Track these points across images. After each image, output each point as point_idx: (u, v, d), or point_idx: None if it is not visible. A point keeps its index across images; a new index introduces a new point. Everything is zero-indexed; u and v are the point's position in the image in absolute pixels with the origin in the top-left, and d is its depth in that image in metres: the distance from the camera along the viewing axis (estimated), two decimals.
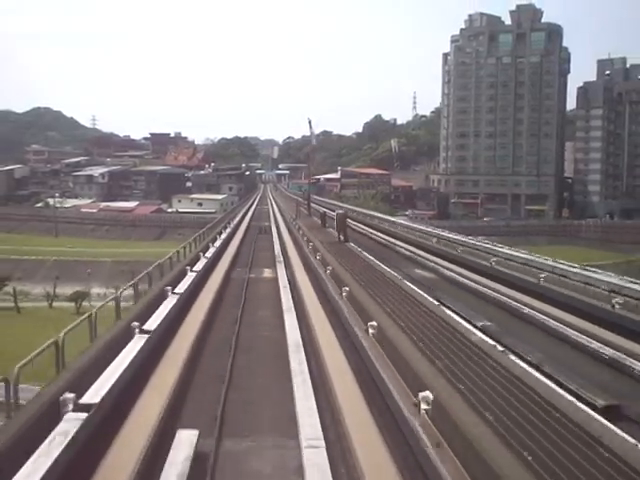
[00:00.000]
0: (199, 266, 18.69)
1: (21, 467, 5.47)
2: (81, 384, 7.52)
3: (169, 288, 14.08)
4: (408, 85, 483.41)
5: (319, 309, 13.64)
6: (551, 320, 12.35)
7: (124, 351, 9.12)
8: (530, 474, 5.13)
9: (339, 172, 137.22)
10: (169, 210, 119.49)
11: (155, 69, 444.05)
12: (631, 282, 14.16)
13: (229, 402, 8.41)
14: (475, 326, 10.94)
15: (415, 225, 37.28)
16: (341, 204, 66.22)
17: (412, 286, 14.73)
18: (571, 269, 16.50)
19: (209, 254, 21.95)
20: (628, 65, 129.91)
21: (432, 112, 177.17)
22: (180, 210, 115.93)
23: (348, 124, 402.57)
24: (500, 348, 9.00)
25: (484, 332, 10.46)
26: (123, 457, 6.28)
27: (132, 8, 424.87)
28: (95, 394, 7.36)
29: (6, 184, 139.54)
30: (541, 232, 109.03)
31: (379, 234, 32.81)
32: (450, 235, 28.25)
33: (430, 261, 22.36)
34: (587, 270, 16.30)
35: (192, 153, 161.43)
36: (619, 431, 5.95)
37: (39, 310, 56.03)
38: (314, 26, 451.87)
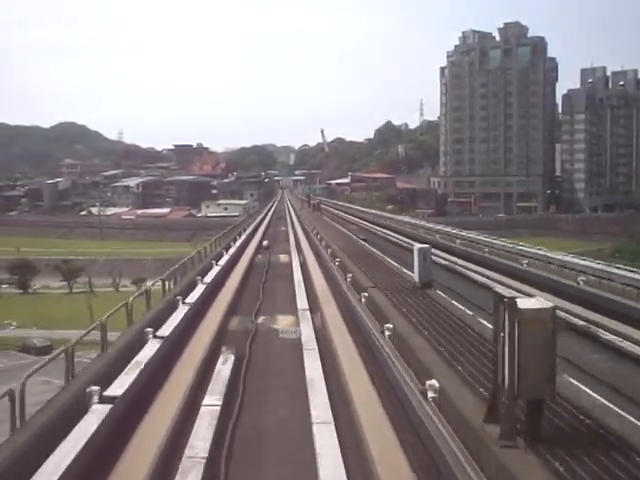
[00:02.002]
0: (238, 241, 43.11)
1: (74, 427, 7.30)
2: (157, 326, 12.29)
3: (214, 262, 23.03)
4: (418, 91, 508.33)
5: (305, 231, 38.67)
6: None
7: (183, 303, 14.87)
8: None
9: (349, 177, 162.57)
10: (198, 215, 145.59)
11: (174, 81, 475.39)
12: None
13: (266, 289, 29.37)
14: (359, 238, 35.67)
15: (372, 211, 62.52)
16: (336, 201, 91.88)
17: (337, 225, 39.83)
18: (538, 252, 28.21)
19: (250, 229, 46.78)
20: (609, 73, 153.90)
21: (439, 117, 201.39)
22: (208, 214, 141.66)
23: (360, 130, 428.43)
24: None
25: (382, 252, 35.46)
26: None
27: (152, 23, 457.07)
28: (167, 329, 12.07)
29: (51, 196, 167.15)
30: (525, 225, 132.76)
31: (349, 215, 58.23)
32: (416, 222, 52.93)
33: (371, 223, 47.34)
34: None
35: (215, 163, 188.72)
36: None
37: (108, 293, 79.36)
38: (328, 37, 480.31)
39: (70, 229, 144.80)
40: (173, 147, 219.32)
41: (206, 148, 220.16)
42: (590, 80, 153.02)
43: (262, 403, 9.82)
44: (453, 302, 14.80)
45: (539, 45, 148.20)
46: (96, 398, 8.26)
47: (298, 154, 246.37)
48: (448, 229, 43.51)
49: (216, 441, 7.80)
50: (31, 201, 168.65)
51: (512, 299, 6.30)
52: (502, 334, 6.28)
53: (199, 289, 17.71)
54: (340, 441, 7.55)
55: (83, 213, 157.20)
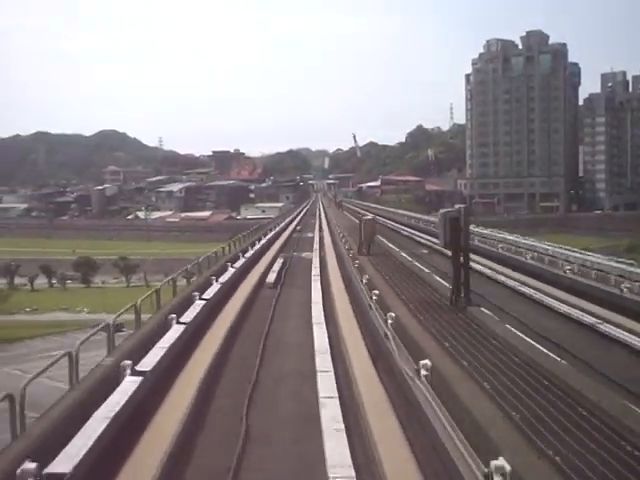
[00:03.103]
0: (278, 227, 59.70)
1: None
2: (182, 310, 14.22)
3: (249, 247, 35.60)
4: (449, 95, 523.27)
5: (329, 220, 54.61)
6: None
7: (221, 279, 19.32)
8: None
9: (379, 180, 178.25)
10: (238, 217, 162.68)
11: (208, 87, 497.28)
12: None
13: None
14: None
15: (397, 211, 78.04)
16: (360, 202, 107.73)
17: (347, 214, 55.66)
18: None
19: (289, 219, 63.12)
20: (629, 77, 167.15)
21: (465, 122, 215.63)
22: (247, 217, 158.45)
23: (394, 133, 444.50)
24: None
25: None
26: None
27: (187, 31, 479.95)
28: (212, 291, 16.96)
29: (99, 201, 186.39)
30: (547, 224, 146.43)
31: (363, 210, 73.89)
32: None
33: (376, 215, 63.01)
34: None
35: (253, 168, 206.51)
36: None
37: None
38: (362, 40, 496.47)
39: (118, 232, 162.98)
40: (211, 153, 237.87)
41: (243, 154, 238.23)
42: (610, 84, 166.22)
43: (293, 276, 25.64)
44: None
45: (560, 52, 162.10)
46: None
47: (332, 158, 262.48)
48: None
49: None
50: (81, 206, 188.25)
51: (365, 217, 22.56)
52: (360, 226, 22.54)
53: (250, 251, 32.86)
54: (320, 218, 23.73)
55: (130, 217, 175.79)
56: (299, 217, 71.26)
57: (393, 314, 11.30)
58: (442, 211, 15.02)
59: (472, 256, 17.26)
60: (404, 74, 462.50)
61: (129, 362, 9.30)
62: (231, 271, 21.52)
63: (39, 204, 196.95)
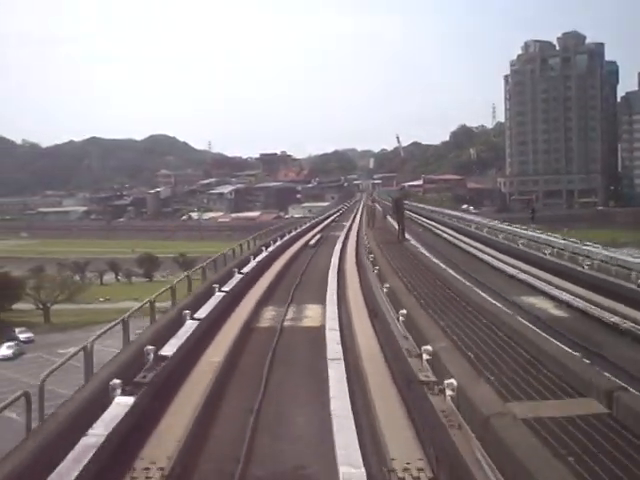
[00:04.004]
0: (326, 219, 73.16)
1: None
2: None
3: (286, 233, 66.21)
4: (493, 93, 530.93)
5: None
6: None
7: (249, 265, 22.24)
8: None
9: (422, 179, 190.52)
10: (286, 216, 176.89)
11: (256, 91, 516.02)
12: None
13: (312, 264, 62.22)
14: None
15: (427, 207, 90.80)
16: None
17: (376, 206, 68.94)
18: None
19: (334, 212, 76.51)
20: None
21: (504, 122, 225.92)
22: (294, 215, 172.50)
23: (438, 132, 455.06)
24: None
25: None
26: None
27: (231, 35, 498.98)
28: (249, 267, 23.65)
29: (154, 203, 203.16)
30: (584, 219, 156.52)
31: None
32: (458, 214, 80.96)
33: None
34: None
35: (299, 169, 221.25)
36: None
37: None
38: (405, 43, 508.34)
39: (173, 232, 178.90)
40: (259, 155, 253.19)
41: (289, 156, 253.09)
42: None
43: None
44: None
45: (596, 52, 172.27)
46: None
47: (377, 158, 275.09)
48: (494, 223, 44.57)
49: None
50: (136, 208, 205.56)
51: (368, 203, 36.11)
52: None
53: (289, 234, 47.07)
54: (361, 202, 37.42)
55: (184, 218, 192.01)
56: (340, 212, 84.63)
57: (369, 245, 24.77)
58: (392, 195, 29.30)
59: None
60: (447, 73, 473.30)
61: (187, 311, 13.05)
62: (288, 236, 35.39)
63: (97, 207, 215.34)
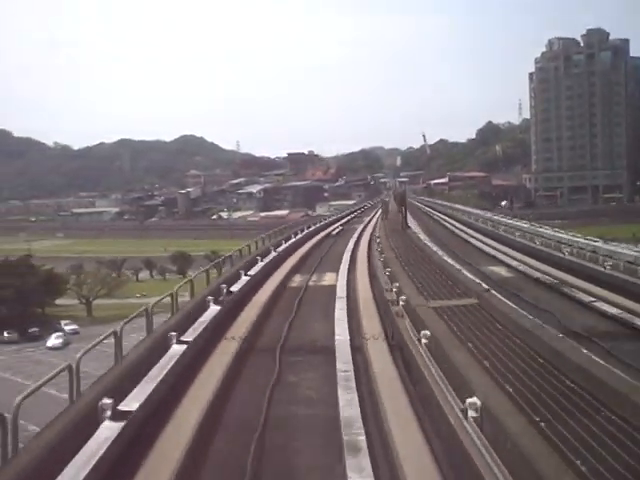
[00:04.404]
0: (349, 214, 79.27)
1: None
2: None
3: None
4: (520, 90, 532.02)
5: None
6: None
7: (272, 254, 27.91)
8: None
9: (447, 176, 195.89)
10: (314, 214, 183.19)
11: (283, 91, 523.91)
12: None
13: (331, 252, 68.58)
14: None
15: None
16: (422, 197, 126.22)
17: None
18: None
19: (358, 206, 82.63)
20: None
21: (529, 118, 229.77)
22: (322, 213, 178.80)
23: (464, 130, 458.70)
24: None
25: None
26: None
27: (260, 35, 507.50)
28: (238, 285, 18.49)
29: (184, 203, 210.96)
30: (608, 214, 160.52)
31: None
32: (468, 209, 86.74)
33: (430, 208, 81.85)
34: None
35: (326, 168, 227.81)
36: None
37: None
38: (433, 41, 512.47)
39: (203, 231, 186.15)
40: (287, 155, 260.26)
41: (317, 155, 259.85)
42: None
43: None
44: None
45: (620, 48, 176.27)
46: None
47: (404, 156, 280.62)
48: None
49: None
50: (168, 208, 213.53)
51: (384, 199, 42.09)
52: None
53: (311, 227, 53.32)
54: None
55: (214, 217, 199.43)
56: (363, 209, 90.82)
57: (378, 232, 31.01)
58: (394, 190, 36.05)
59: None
60: (474, 70, 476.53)
61: (224, 285, 17.39)
62: (313, 227, 41.76)
63: (129, 207, 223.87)
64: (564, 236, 28.73)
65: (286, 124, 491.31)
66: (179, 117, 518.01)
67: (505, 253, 27.92)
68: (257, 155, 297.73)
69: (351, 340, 12.44)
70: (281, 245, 29.99)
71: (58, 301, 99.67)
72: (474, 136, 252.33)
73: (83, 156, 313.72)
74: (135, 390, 8.83)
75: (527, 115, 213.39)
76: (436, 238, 34.44)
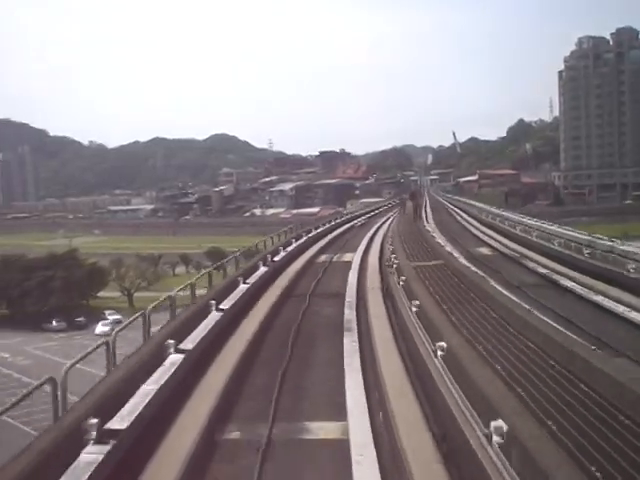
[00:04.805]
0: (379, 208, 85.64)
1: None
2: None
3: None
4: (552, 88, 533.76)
5: None
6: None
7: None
8: None
9: (476, 174, 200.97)
10: (344, 212, 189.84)
11: (317, 91, 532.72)
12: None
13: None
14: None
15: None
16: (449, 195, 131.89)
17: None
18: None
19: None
20: None
21: (558, 116, 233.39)
22: (350, 210, 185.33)
23: (495, 129, 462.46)
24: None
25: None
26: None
27: (289, 35, 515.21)
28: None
29: (218, 201, 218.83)
30: (636, 212, 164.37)
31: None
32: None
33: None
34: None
35: (357, 167, 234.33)
36: None
37: None
38: (464, 39, 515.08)
39: (237, 228, 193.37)
40: (318, 153, 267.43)
41: (348, 153, 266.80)
42: None
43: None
44: None
45: None
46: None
47: (435, 154, 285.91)
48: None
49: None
50: (201, 206, 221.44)
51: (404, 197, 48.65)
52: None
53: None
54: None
55: (247, 214, 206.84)
56: (390, 205, 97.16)
57: (394, 224, 37.56)
58: (411, 190, 41.99)
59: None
60: (504, 68, 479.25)
61: (269, 255, 32.61)
62: (340, 219, 48.38)
63: (163, 205, 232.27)
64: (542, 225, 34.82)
65: (318, 123, 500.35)
66: (212, 116, 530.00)
67: (492, 237, 34.23)
68: (289, 153, 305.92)
69: (357, 289, 19.11)
70: (311, 232, 36.52)
71: (100, 293, 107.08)
72: (505, 134, 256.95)
73: (117, 155, 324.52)
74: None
75: (558, 113, 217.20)
76: (440, 226, 40.82)
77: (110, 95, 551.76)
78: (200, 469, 7.85)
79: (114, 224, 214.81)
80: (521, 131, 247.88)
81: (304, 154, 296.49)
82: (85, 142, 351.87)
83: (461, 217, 53.76)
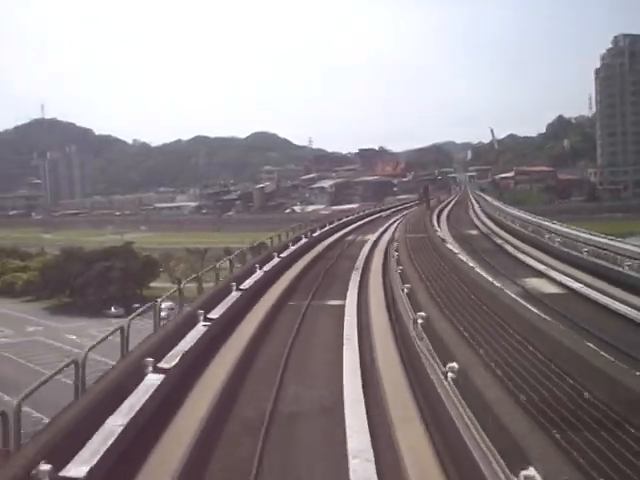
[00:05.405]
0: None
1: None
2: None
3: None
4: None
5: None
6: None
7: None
8: None
9: (513, 171, 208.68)
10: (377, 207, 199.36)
11: (357, 89, 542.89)
12: None
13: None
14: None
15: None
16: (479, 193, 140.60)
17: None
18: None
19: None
20: None
21: (595, 113, 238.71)
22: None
23: (534, 126, 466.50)
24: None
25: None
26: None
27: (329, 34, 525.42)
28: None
29: (260, 197, 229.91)
30: None
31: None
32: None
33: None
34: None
35: (396, 164, 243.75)
36: None
37: None
38: (506, 34, 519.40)
39: (277, 224, 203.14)
40: (358, 151, 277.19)
41: (387, 150, 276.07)
42: None
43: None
44: None
45: None
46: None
47: (474, 151, 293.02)
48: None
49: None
50: (244, 203, 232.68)
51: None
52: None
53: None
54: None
55: (287, 211, 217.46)
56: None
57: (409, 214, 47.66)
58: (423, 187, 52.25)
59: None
60: (544, 63, 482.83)
61: (309, 232, 44.81)
62: (368, 211, 58.37)
63: (207, 202, 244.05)
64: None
65: (358, 120, 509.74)
66: (252, 114, 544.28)
67: (484, 224, 43.74)
68: (329, 150, 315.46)
69: (367, 255, 29.30)
70: (342, 219, 46.76)
71: (152, 284, 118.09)
72: (544, 130, 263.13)
73: (161, 153, 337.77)
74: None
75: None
76: (444, 215, 50.45)
77: (153, 94, 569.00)
78: None
79: (160, 220, 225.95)
80: (560, 127, 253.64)
81: (344, 152, 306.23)
82: (129, 141, 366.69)
83: (471, 209, 63.34)
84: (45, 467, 6.88)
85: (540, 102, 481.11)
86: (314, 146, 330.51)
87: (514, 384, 9.49)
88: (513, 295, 16.24)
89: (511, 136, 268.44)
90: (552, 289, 22.74)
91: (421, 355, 11.30)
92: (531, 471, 5.98)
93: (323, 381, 12.67)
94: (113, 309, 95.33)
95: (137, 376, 10.85)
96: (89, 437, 8.22)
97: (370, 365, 12.98)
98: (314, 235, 33.18)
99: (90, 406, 9.03)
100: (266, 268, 23.25)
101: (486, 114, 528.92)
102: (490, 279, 17.98)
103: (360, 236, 39.44)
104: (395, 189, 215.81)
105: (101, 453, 7.90)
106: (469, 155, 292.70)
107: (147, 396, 10.16)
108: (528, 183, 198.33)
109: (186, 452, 9.05)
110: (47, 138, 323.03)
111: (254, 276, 22.30)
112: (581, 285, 21.94)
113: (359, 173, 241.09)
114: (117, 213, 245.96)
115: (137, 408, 9.61)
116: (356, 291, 21.14)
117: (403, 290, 15.82)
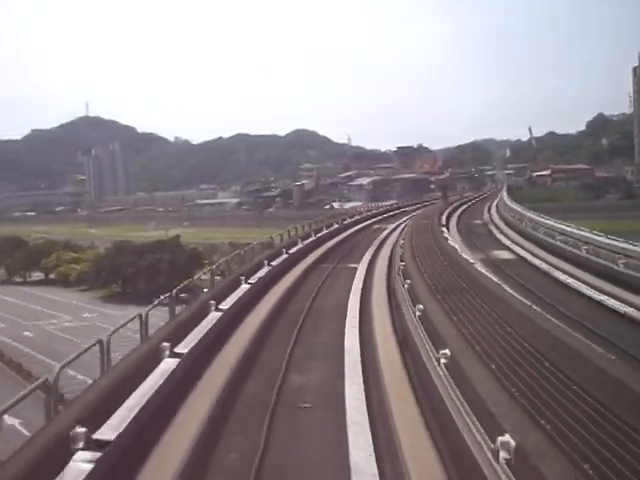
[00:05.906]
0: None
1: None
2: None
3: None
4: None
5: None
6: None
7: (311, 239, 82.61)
8: None
9: (549, 169, 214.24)
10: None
11: (397, 88, 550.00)
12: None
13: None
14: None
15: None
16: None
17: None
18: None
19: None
20: None
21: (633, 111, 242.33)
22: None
23: (574, 124, 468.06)
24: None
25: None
26: None
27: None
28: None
29: (299, 194, 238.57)
30: None
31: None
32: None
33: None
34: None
35: (433, 161, 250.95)
36: None
37: None
38: (546, 32, 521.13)
39: (315, 221, 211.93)
40: (396, 149, 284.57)
41: (426, 148, 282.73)
42: None
43: None
44: None
45: None
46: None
47: (513, 148, 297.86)
48: None
49: None
50: (284, 199, 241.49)
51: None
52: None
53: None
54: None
55: (326, 207, 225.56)
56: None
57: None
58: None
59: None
60: (584, 60, 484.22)
61: (341, 219, 52.91)
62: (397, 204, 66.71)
63: (248, 198, 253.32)
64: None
65: (397, 118, 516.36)
66: (292, 112, 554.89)
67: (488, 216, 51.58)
68: (368, 148, 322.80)
69: (381, 240, 37.63)
70: (372, 210, 55.14)
71: (196, 276, 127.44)
72: (584, 128, 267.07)
73: (202, 150, 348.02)
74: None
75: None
76: (458, 209, 58.50)
77: (195, 92, 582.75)
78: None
79: (202, 217, 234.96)
80: (600, 125, 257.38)
81: (382, 149, 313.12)
82: (171, 138, 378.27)
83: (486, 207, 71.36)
84: (81, 430, 8.01)
85: (581, 100, 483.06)
86: (353, 144, 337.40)
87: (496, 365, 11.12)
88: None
89: (551, 134, 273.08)
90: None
91: (397, 278, 19.76)
92: (506, 437, 7.11)
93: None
94: (183, 295, 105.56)
95: (155, 359, 12.42)
96: (116, 408, 9.63)
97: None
98: (344, 222, 41.91)
99: (117, 381, 10.58)
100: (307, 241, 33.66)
101: (526, 112, 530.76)
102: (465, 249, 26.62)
103: (382, 226, 47.87)
104: (432, 186, 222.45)
105: (127, 422, 9.18)
106: (508, 153, 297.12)
107: (167, 374, 11.69)
108: (564, 181, 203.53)
109: (210, 411, 11.27)
110: (91, 136, 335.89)
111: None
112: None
113: (397, 171, 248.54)
114: (160, 209, 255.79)
115: (159, 384, 11.12)
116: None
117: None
